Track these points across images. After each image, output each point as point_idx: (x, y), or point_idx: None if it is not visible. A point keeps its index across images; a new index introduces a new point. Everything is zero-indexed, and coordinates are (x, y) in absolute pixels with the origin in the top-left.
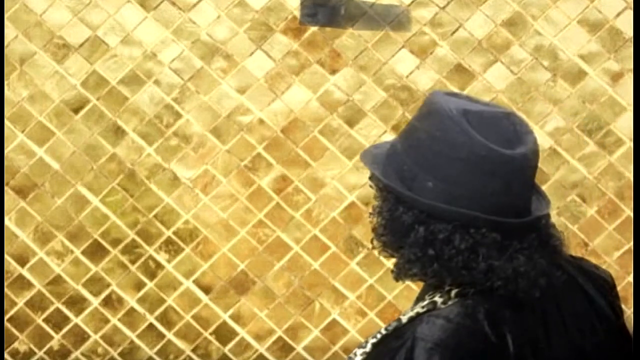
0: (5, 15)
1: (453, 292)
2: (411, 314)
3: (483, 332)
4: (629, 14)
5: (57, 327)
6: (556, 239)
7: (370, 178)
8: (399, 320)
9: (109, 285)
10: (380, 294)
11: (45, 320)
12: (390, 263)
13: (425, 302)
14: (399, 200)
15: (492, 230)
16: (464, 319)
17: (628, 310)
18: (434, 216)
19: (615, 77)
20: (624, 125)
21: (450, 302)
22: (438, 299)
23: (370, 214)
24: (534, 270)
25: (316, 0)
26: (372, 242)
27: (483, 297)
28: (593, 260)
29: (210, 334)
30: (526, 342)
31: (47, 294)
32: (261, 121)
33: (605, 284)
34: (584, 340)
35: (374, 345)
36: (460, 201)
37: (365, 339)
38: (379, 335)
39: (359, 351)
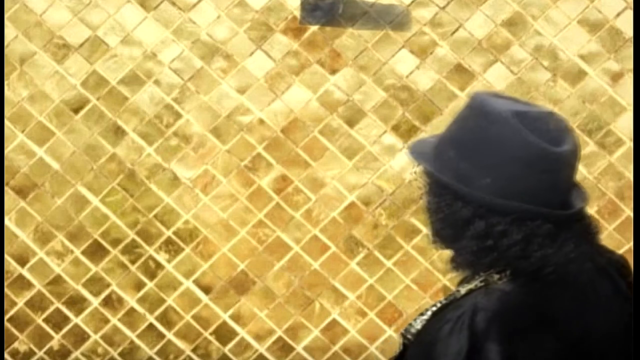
0: (5, 15)
1: (508, 272)
2: (469, 286)
3: (536, 307)
4: (629, 14)
5: (57, 327)
6: (594, 228)
7: (424, 174)
8: (457, 291)
9: (109, 285)
10: (380, 294)
11: (45, 320)
12: (390, 263)
13: (482, 278)
14: (457, 196)
15: (545, 222)
16: (519, 294)
17: None
18: (492, 210)
19: (615, 77)
20: (624, 125)
21: (505, 279)
22: (495, 274)
23: (427, 208)
24: (581, 256)
25: None
26: (432, 236)
27: (535, 277)
28: None
29: (210, 334)
30: (572, 319)
31: (47, 294)
32: (261, 121)
33: (623, 268)
34: (617, 321)
35: (433, 313)
36: (516, 196)
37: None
38: (438, 304)
39: (419, 318)
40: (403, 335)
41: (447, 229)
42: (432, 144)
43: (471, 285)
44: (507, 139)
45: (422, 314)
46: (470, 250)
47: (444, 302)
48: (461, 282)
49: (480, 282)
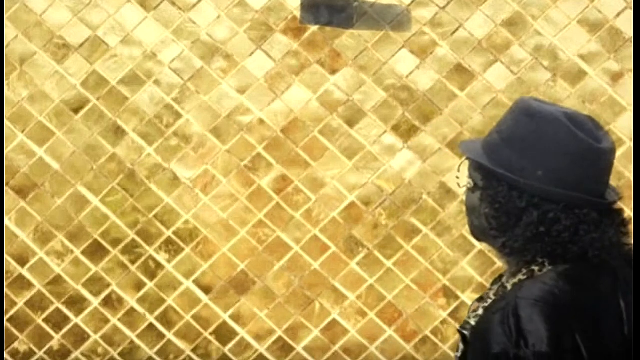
0: (5, 15)
1: (547, 262)
2: (514, 280)
3: (575, 292)
4: (629, 14)
5: (57, 327)
6: (627, 220)
7: (477, 170)
8: (504, 287)
9: (109, 285)
10: (380, 294)
11: (45, 320)
12: (390, 263)
13: (525, 272)
14: (512, 187)
15: (591, 210)
16: (558, 281)
17: None
18: (544, 199)
19: (615, 77)
20: (624, 125)
21: (545, 270)
22: (535, 267)
23: (480, 200)
24: (620, 241)
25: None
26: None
27: (572, 265)
28: None
29: (210, 334)
30: (609, 302)
31: (47, 294)
32: (261, 121)
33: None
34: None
35: (485, 308)
36: (567, 186)
37: (471, 309)
38: (489, 301)
39: (472, 314)
40: (460, 332)
41: (502, 217)
42: (480, 144)
43: (515, 280)
44: (560, 136)
45: (475, 311)
46: (524, 237)
47: (493, 297)
48: (507, 278)
49: (524, 275)
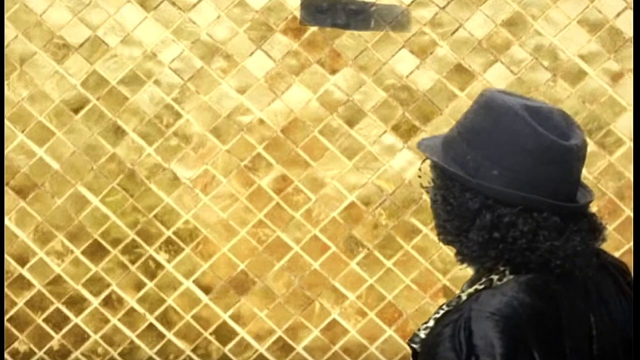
0: (5, 15)
1: (507, 271)
2: (470, 290)
3: (536, 304)
4: (629, 14)
5: (57, 327)
6: (600, 225)
7: (432, 168)
8: (459, 297)
9: (109, 285)
10: (380, 294)
11: (45, 320)
12: (390, 263)
13: (483, 280)
14: (464, 187)
15: (552, 214)
16: (518, 292)
17: None
18: (500, 201)
19: (615, 77)
20: (624, 125)
21: (505, 279)
22: (494, 276)
23: (433, 201)
24: (588, 250)
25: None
26: (437, 231)
27: (536, 275)
28: None
29: (210, 334)
30: (575, 316)
31: (47, 294)
32: (261, 121)
33: (623, 272)
34: (619, 319)
35: (436, 320)
36: (524, 187)
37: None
38: (441, 312)
39: (422, 327)
40: (409, 345)
41: (454, 220)
42: (441, 139)
43: (472, 290)
44: (517, 131)
45: (425, 322)
46: (477, 241)
47: (446, 308)
48: (466, 287)
49: (480, 284)
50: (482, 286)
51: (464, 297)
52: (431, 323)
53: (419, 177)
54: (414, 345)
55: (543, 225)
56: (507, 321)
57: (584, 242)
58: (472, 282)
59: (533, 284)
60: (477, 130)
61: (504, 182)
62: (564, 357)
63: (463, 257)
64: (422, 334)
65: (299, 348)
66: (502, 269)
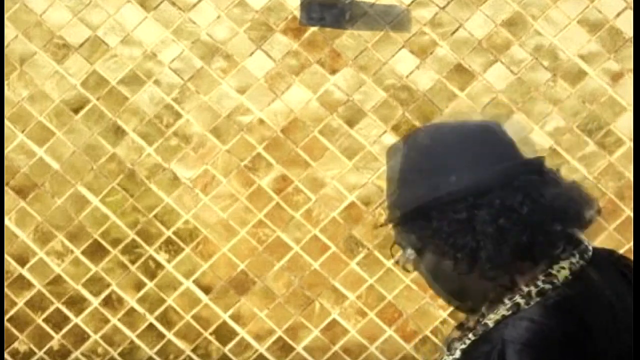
0: (5, 15)
1: (533, 292)
2: (497, 317)
3: (567, 330)
4: (629, 14)
5: (57, 327)
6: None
7: (407, 235)
8: (485, 325)
9: (109, 285)
10: (380, 294)
11: (45, 320)
12: (390, 263)
13: (509, 305)
14: (442, 211)
15: (526, 173)
16: (548, 318)
17: None
18: (479, 194)
19: (615, 77)
20: (624, 125)
21: (532, 302)
22: (520, 300)
23: (434, 255)
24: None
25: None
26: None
27: (562, 296)
28: None
29: (210, 334)
30: (604, 332)
31: (47, 294)
32: (261, 121)
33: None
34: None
35: (463, 351)
36: (485, 169)
37: (447, 343)
38: (467, 341)
39: (449, 358)
40: None
41: (462, 246)
42: (391, 211)
43: (498, 316)
44: (438, 138)
45: (449, 353)
46: (493, 243)
47: (472, 337)
48: (487, 309)
49: (507, 310)
50: (509, 312)
51: (490, 324)
52: (458, 354)
53: (396, 262)
54: None
55: (529, 189)
56: (540, 353)
57: (574, 191)
58: (491, 304)
59: (561, 307)
60: (409, 167)
61: (468, 177)
62: None
63: (492, 274)
64: None
65: (299, 348)
66: (526, 289)
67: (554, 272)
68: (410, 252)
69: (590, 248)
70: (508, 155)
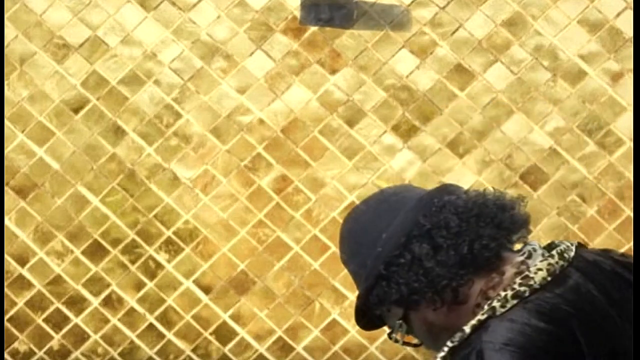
0: (5, 15)
1: (509, 295)
2: (473, 322)
3: (551, 329)
4: (629, 14)
5: (57, 327)
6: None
7: (390, 315)
8: (462, 330)
9: (109, 285)
10: None
11: (45, 320)
12: None
13: (485, 309)
14: (388, 264)
15: (452, 200)
16: (529, 319)
17: None
18: (411, 236)
19: (615, 77)
20: (624, 125)
21: (508, 305)
22: (496, 303)
23: (416, 315)
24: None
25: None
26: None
27: (542, 299)
28: None
29: (210, 334)
30: (594, 335)
31: (47, 294)
32: (261, 121)
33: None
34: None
35: (442, 358)
36: (407, 209)
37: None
38: (445, 349)
39: None
40: None
41: (418, 276)
42: (356, 305)
43: (474, 321)
44: (352, 225)
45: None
46: (441, 269)
47: (450, 344)
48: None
49: (483, 314)
50: (484, 316)
51: (467, 329)
52: None
53: (396, 341)
54: None
55: (452, 204)
56: (523, 351)
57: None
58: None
59: (542, 309)
60: (350, 255)
61: (393, 228)
62: None
63: (456, 284)
64: None
65: (299, 348)
66: (503, 294)
67: (530, 274)
68: (398, 323)
69: (573, 249)
70: (420, 192)
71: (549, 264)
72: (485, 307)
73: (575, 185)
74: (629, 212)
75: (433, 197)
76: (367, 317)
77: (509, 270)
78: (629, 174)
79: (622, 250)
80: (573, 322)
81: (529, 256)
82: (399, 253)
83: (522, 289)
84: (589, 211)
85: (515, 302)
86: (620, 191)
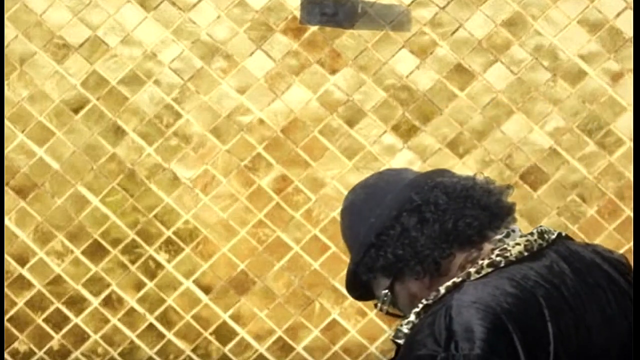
0: (5, 15)
1: (485, 263)
2: (448, 283)
3: (518, 294)
4: (629, 14)
5: (57, 327)
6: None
7: (377, 284)
8: (437, 290)
9: (109, 285)
10: None
11: (45, 320)
12: None
13: (461, 273)
14: (379, 234)
15: (438, 180)
16: (499, 283)
17: None
18: (402, 208)
19: (615, 77)
20: (624, 125)
21: (483, 272)
22: (471, 269)
23: (400, 282)
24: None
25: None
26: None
27: (515, 269)
28: None
29: (210, 334)
30: (559, 306)
31: (47, 294)
32: (261, 121)
33: (621, 265)
34: (608, 311)
35: (416, 314)
36: (400, 186)
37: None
38: (420, 305)
39: (404, 322)
40: (393, 341)
41: (404, 245)
42: (348, 279)
43: (449, 283)
44: (351, 200)
45: (405, 317)
46: (426, 241)
47: (424, 302)
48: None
49: (458, 277)
50: (459, 279)
51: (442, 289)
52: (412, 317)
53: (380, 310)
54: (399, 341)
55: (442, 185)
56: (489, 309)
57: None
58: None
59: (513, 277)
60: (348, 225)
61: (387, 202)
62: (548, 346)
63: (436, 257)
64: (405, 329)
65: (299, 348)
66: (480, 262)
67: (508, 247)
68: (384, 293)
69: (556, 233)
70: (417, 173)
71: (527, 240)
72: (460, 272)
73: (575, 185)
74: (629, 212)
75: (427, 178)
76: (358, 289)
77: (487, 247)
78: (629, 174)
79: (622, 251)
80: (539, 291)
81: (507, 235)
82: (390, 225)
83: (498, 259)
84: (589, 211)
85: (490, 270)
86: (620, 191)
